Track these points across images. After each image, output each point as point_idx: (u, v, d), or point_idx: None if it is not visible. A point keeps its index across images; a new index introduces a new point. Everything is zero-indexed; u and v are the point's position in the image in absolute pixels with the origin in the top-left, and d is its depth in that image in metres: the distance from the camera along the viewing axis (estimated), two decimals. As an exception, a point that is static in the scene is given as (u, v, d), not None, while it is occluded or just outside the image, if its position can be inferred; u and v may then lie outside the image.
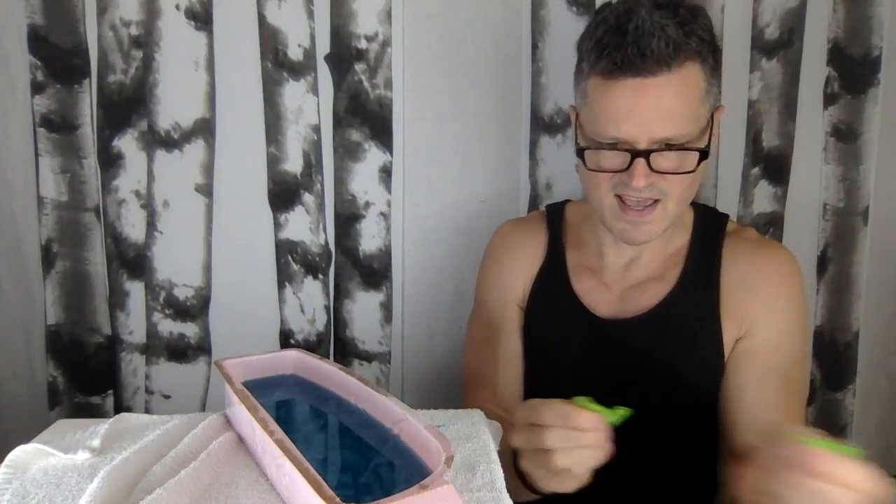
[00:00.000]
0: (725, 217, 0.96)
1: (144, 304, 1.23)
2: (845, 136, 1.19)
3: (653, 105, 0.77)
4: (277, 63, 1.17)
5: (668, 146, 0.79)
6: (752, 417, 0.84)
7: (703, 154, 0.80)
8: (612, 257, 0.94)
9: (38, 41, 1.15)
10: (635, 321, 0.90)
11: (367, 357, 1.26)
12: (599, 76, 0.80)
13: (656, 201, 0.82)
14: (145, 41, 1.15)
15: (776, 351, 0.85)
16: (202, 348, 1.24)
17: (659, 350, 0.88)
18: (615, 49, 0.77)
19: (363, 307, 1.25)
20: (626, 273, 0.94)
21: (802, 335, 0.89)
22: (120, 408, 1.26)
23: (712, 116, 0.84)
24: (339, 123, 1.19)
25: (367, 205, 1.21)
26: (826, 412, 1.26)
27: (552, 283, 0.97)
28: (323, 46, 1.17)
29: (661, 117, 0.78)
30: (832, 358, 1.25)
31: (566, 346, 0.95)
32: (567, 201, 1.05)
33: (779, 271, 0.88)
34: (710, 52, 0.80)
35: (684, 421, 0.88)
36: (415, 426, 0.60)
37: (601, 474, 0.67)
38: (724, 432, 0.86)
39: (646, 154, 0.78)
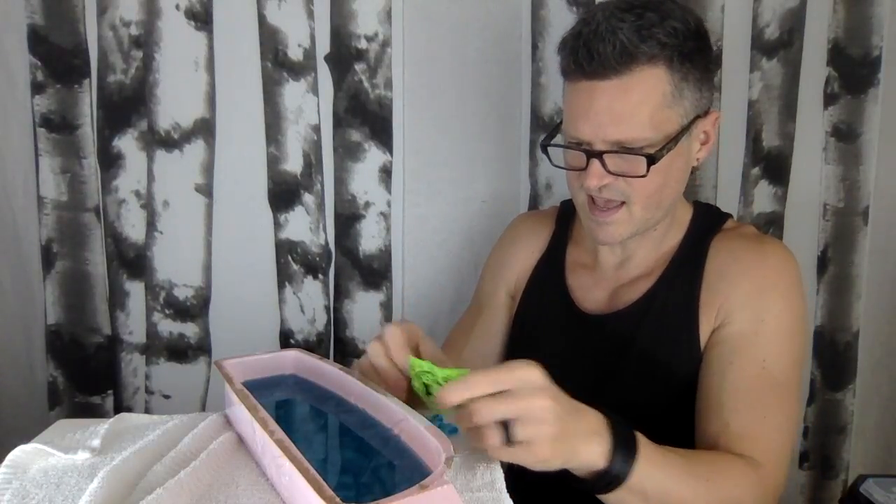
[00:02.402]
0: (726, 216, 0.94)
1: (144, 304, 1.23)
2: (845, 136, 1.19)
3: (605, 108, 0.78)
4: (277, 63, 1.17)
5: (622, 149, 0.79)
6: (716, 406, 0.79)
7: (650, 160, 0.78)
8: (606, 255, 0.94)
9: (38, 41, 1.15)
10: (617, 315, 0.90)
11: (367, 357, 1.26)
12: (564, 77, 0.84)
13: (622, 203, 0.83)
14: (145, 41, 1.15)
15: (752, 340, 0.81)
16: (202, 348, 1.24)
17: (638, 343, 0.87)
18: (570, 52, 0.80)
19: (363, 307, 1.24)
20: (618, 271, 0.94)
21: (792, 330, 0.83)
22: (120, 408, 1.26)
23: (692, 123, 0.82)
24: (339, 123, 1.19)
25: (367, 205, 1.21)
26: (826, 412, 1.26)
27: (548, 276, 0.98)
28: (323, 46, 1.17)
29: (614, 120, 0.78)
30: (832, 358, 1.25)
31: (553, 339, 0.96)
32: None
33: (763, 263, 0.84)
34: (676, 56, 0.78)
35: (665, 414, 0.86)
36: (415, 426, 0.60)
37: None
38: (696, 422, 0.83)
39: (598, 155, 0.79)
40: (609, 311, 0.91)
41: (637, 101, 0.77)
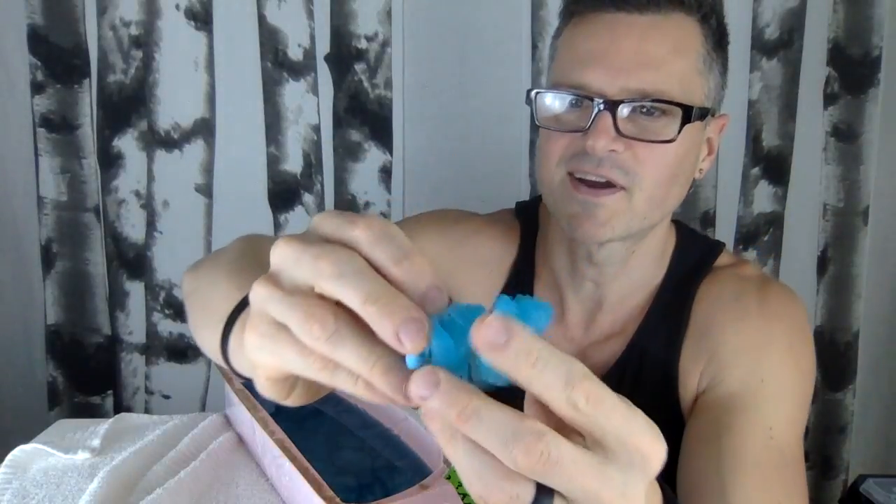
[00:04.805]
0: (718, 248, 0.75)
1: (144, 304, 1.23)
2: (845, 136, 1.19)
3: (632, 47, 0.61)
4: (277, 63, 1.17)
5: (650, 99, 0.61)
6: (716, 483, 0.60)
7: (686, 115, 0.61)
8: (572, 304, 0.74)
9: (38, 41, 1.15)
10: None
11: (367, 357, 1.26)
12: (571, 20, 0.66)
13: (620, 189, 0.63)
14: (145, 41, 1.15)
15: (753, 404, 0.63)
16: (202, 348, 1.24)
17: None
18: None
19: (363, 307, 1.24)
20: (587, 329, 0.75)
21: (798, 394, 0.66)
22: (120, 408, 1.26)
23: (706, 117, 0.66)
24: (339, 123, 1.19)
25: (367, 205, 1.21)
26: (826, 412, 1.26)
27: None
28: (323, 46, 1.17)
29: (642, 64, 0.61)
30: (832, 358, 1.25)
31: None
32: (541, 200, 0.77)
33: (760, 313, 0.67)
34: (714, 22, 0.65)
35: None
36: (415, 426, 0.60)
37: None
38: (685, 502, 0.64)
39: (613, 106, 0.61)
40: None
41: (671, 48, 0.62)
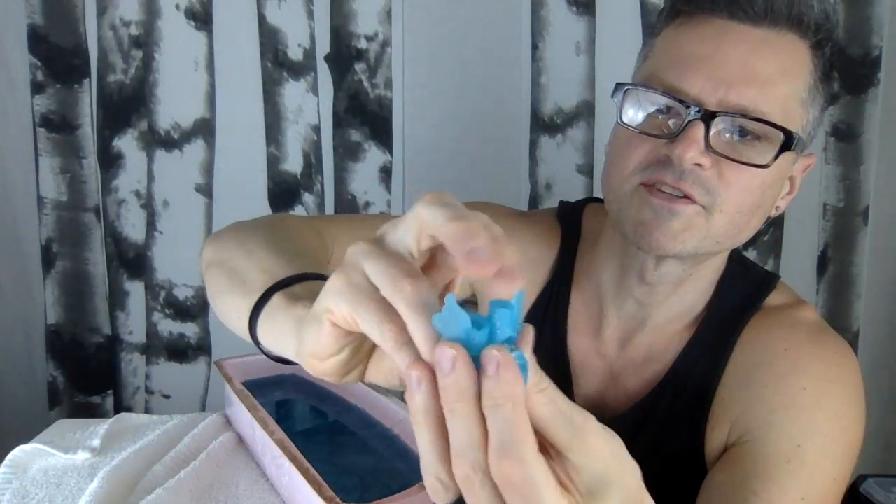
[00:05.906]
0: (772, 282, 0.69)
1: (144, 304, 1.23)
2: (845, 136, 1.19)
3: (739, 59, 0.57)
4: (277, 63, 1.17)
5: (744, 116, 0.57)
6: None
7: (787, 140, 0.57)
8: (611, 320, 0.71)
9: (38, 41, 1.15)
10: (615, 421, 0.56)
11: (367, 357, 1.26)
12: (676, 20, 0.62)
13: (700, 208, 0.59)
14: (145, 41, 1.15)
15: (785, 469, 0.58)
16: (202, 348, 1.24)
17: (632, 452, 0.53)
18: None
19: (363, 307, 1.24)
20: (622, 350, 0.71)
21: (839, 466, 0.60)
22: (120, 408, 1.26)
23: (801, 150, 0.62)
24: (339, 123, 1.19)
25: (367, 205, 1.21)
26: (826, 412, 1.26)
27: (547, 331, 0.73)
28: (323, 46, 1.17)
29: (747, 79, 0.57)
30: (832, 358, 1.24)
31: None
32: (586, 205, 0.79)
33: (810, 370, 0.62)
34: (826, 47, 0.60)
35: None
36: (415, 426, 0.60)
37: None
38: None
39: (708, 117, 0.56)
40: (606, 408, 0.71)
41: (780, 69, 0.58)
